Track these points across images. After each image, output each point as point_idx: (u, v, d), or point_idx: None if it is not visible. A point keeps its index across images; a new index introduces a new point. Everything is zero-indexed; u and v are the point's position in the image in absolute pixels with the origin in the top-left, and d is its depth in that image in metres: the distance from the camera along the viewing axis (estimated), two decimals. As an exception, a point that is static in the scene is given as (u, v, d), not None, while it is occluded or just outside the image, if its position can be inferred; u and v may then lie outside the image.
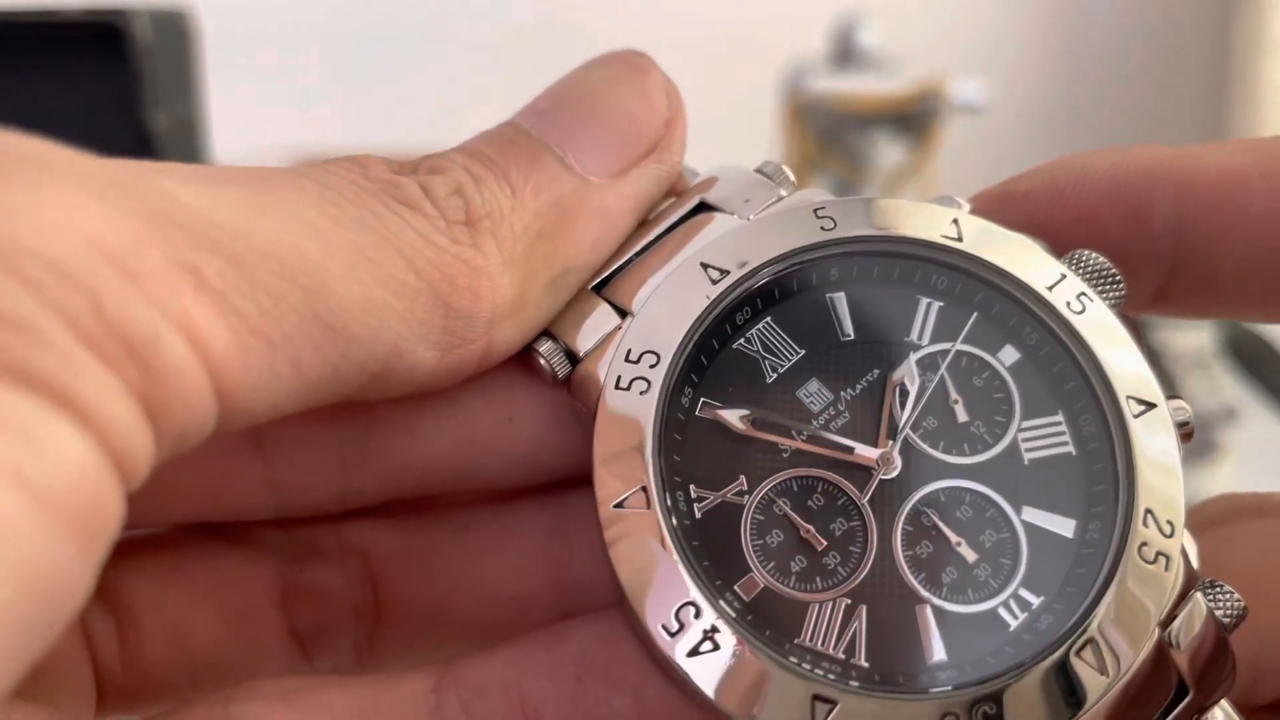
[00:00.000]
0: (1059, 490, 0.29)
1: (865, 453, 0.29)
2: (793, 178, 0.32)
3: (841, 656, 0.27)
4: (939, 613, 0.28)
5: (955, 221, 0.30)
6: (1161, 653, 0.27)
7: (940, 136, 1.18)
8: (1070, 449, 0.29)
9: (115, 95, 0.68)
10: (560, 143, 0.29)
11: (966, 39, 1.58)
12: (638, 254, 0.30)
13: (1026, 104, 1.60)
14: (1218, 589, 0.28)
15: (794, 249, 0.30)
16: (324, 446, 0.29)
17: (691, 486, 0.28)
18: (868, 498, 0.29)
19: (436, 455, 0.30)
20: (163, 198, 0.22)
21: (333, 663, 0.32)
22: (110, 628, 0.29)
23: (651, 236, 0.31)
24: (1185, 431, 0.29)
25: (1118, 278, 0.30)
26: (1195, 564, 0.28)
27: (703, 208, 0.31)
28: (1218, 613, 0.27)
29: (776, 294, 0.30)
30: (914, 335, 0.30)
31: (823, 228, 0.30)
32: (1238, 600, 0.27)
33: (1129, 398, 0.29)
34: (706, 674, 0.26)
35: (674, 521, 0.27)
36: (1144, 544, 0.27)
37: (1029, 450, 0.29)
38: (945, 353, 0.30)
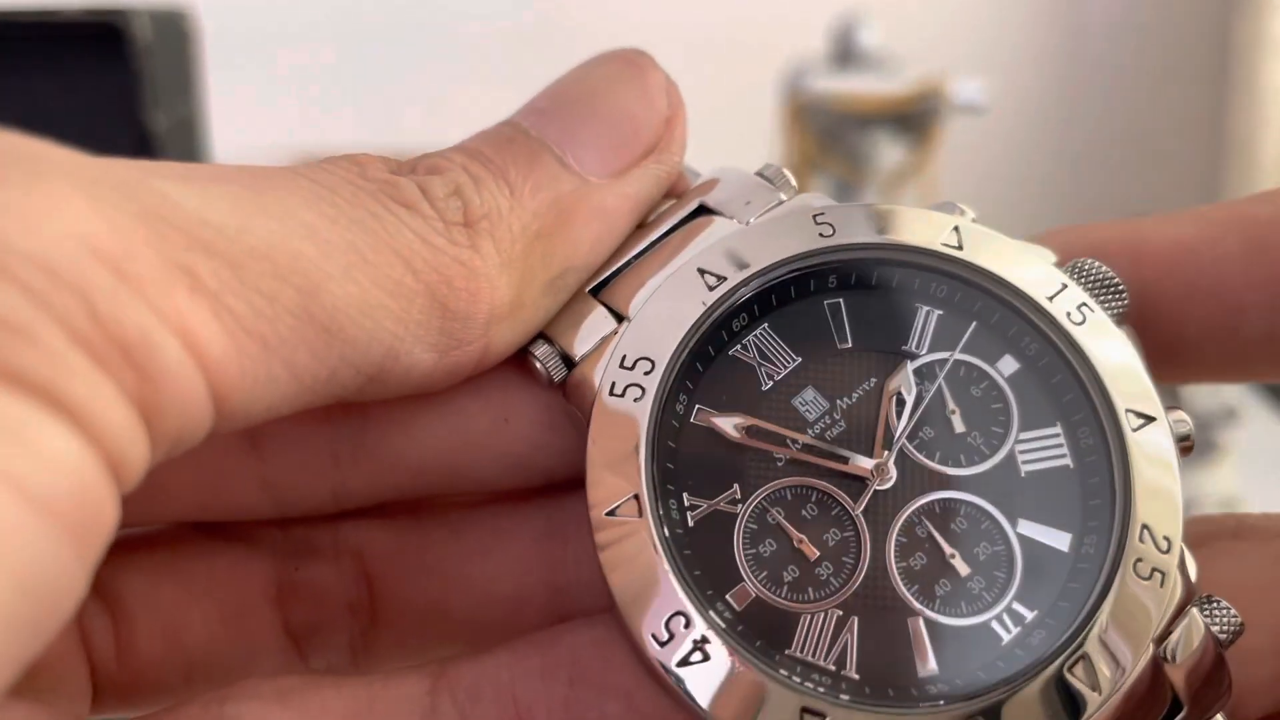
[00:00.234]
0: (1055, 503, 0.29)
1: (860, 463, 0.29)
2: (794, 181, 0.32)
3: (832, 668, 0.27)
4: (931, 625, 0.27)
5: (956, 229, 0.30)
6: (1156, 669, 0.27)
7: (940, 136, 1.18)
8: (1068, 461, 0.29)
9: (115, 95, 0.68)
10: (559, 142, 0.29)
11: (966, 39, 1.58)
12: (636, 257, 0.30)
13: (1026, 104, 1.60)
14: (1214, 604, 0.27)
15: (792, 255, 0.30)
16: (318, 445, 0.29)
17: (684, 494, 0.28)
18: (862, 508, 0.28)
19: (431, 455, 0.29)
20: (158, 197, 0.22)
21: (327, 661, 0.31)
22: (106, 625, 0.29)
23: (650, 240, 0.31)
24: (1185, 446, 0.29)
25: (1120, 287, 0.30)
26: (1194, 579, 0.28)
27: (702, 211, 0.31)
28: (1214, 628, 0.27)
29: (774, 301, 0.30)
30: (912, 344, 0.30)
31: (821, 234, 0.30)
32: (1234, 616, 0.27)
33: (1128, 411, 0.28)
34: (697, 685, 0.26)
35: (666, 531, 0.27)
36: (1139, 560, 0.27)
37: (1026, 462, 0.29)
38: (943, 362, 0.30)
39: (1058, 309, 0.29)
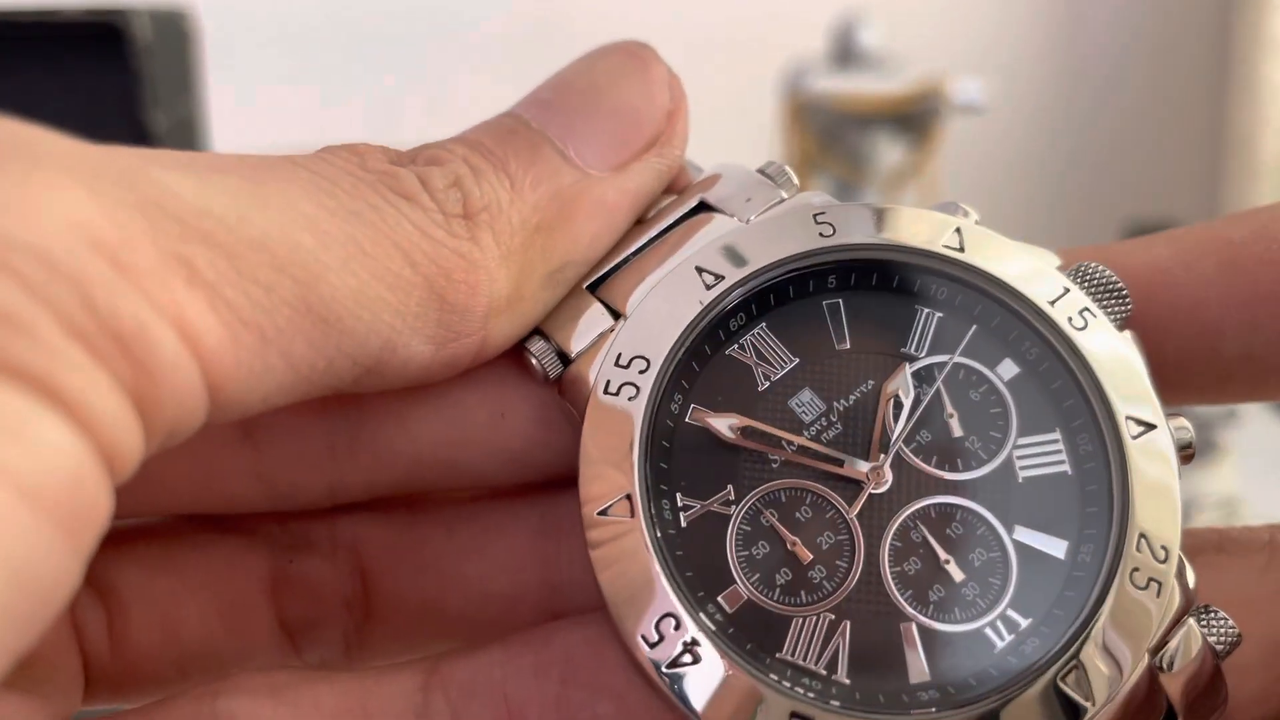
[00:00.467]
0: (1052, 510, 0.28)
1: (856, 466, 0.28)
2: (795, 180, 0.31)
3: (823, 672, 0.27)
4: (924, 631, 0.27)
5: (958, 230, 0.30)
6: (1151, 678, 0.26)
7: (940, 136, 1.18)
8: (1066, 468, 0.29)
9: (115, 95, 0.68)
10: (560, 135, 0.28)
11: (966, 39, 1.58)
12: (634, 253, 0.30)
13: (1026, 104, 1.60)
14: (1212, 614, 0.27)
15: (791, 255, 0.29)
16: (315, 437, 0.29)
17: (678, 495, 0.28)
18: (856, 512, 0.28)
19: (428, 448, 0.29)
20: (155, 187, 0.22)
21: (321, 655, 0.31)
22: (100, 616, 0.29)
23: (649, 236, 0.30)
24: (1186, 454, 0.28)
25: (1124, 292, 0.29)
26: (1193, 588, 0.27)
27: (702, 207, 0.31)
28: (1211, 639, 0.27)
29: (772, 300, 0.30)
30: (911, 346, 0.30)
31: (821, 234, 0.30)
32: (1231, 627, 0.27)
33: (1129, 418, 0.28)
34: (686, 687, 0.26)
35: (658, 532, 0.27)
36: (1136, 569, 0.27)
37: (1024, 468, 0.29)
38: (942, 365, 0.29)
39: (1059, 313, 0.29)
